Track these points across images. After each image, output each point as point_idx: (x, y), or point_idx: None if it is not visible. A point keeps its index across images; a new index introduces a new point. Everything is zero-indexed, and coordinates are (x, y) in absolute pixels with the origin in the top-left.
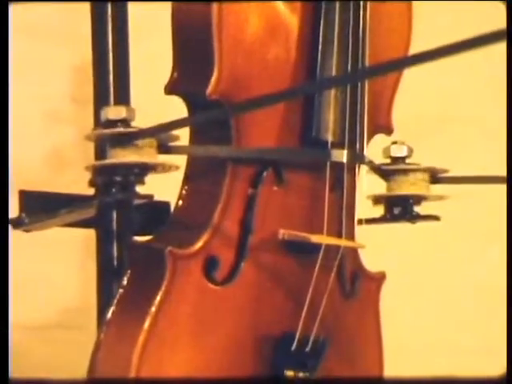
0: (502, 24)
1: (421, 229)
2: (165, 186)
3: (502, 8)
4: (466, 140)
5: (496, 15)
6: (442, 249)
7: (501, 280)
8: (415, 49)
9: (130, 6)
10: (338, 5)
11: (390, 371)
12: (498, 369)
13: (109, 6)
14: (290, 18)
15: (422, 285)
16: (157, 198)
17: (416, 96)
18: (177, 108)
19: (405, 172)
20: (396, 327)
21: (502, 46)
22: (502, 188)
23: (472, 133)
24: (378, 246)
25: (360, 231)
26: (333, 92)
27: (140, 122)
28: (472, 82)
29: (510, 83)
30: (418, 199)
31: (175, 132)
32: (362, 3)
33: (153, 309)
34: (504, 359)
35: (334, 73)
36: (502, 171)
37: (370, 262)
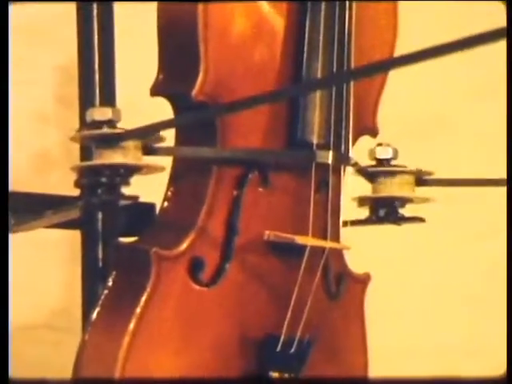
0: (498, 23)
1: (406, 231)
2: (150, 188)
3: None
4: (452, 142)
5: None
6: (428, 250)
7: (487, 280)
8: (403, 49)
9: (116, 6)
10: (323, 5)
11: (376, 372)
12: (491, 370)
13: (94, 6)
14: (276, 18)
15: (408, 286)
16: (142, 199)
17: (401, 98)
18: (162, 109)
19: (390, 174)
20: (381, 328)
21: (491, 47)
22: (489, 190)
23: (458, 135)
24: (363, 247)
25: (345, 233)
26: (318, 93)
27: (126, 123)
28: (459, 84)
29: (509, 83)
30: (403, 201)
31: (161, 133)
32: (347, 3)
33: (138, 310)
34: (495, 360)
35: (319, 73)
36: (490, 173)
37: (355, 263)
